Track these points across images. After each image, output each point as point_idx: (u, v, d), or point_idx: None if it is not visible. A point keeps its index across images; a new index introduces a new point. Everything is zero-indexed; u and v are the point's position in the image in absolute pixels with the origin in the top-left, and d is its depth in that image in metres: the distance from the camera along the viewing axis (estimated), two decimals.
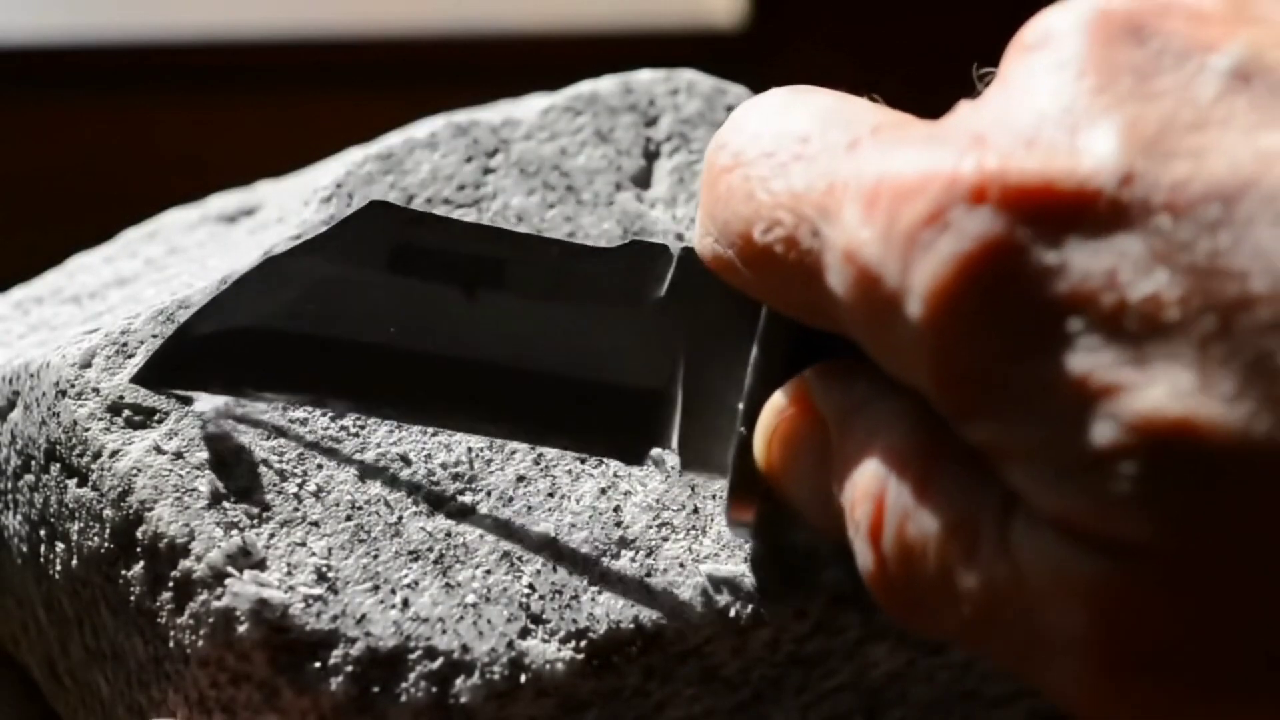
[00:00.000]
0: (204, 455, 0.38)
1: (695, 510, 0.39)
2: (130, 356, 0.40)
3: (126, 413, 0.39)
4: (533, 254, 0.38)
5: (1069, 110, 0.30)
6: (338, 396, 0.38)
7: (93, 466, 0.38)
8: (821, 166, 0.32)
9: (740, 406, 0.36)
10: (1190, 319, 0.28)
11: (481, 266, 0.37)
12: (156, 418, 0.39)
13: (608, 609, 0.37)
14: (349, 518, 0.38)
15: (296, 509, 0.37)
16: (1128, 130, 0.29)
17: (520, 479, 0.39)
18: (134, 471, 0.38)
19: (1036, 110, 0.30)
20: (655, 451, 0.38)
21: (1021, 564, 0.29)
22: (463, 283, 0.37)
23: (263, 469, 0.38)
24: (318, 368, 0.38)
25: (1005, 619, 0.30)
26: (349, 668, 0.36)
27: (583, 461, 0.39)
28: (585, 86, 0.47)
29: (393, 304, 0.38)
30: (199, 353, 0.38)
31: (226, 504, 0.37)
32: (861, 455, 0.32)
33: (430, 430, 0.39)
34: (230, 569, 0.36)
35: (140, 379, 0.39)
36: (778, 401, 0.35)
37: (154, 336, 0.40)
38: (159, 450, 0.38)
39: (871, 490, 0.32)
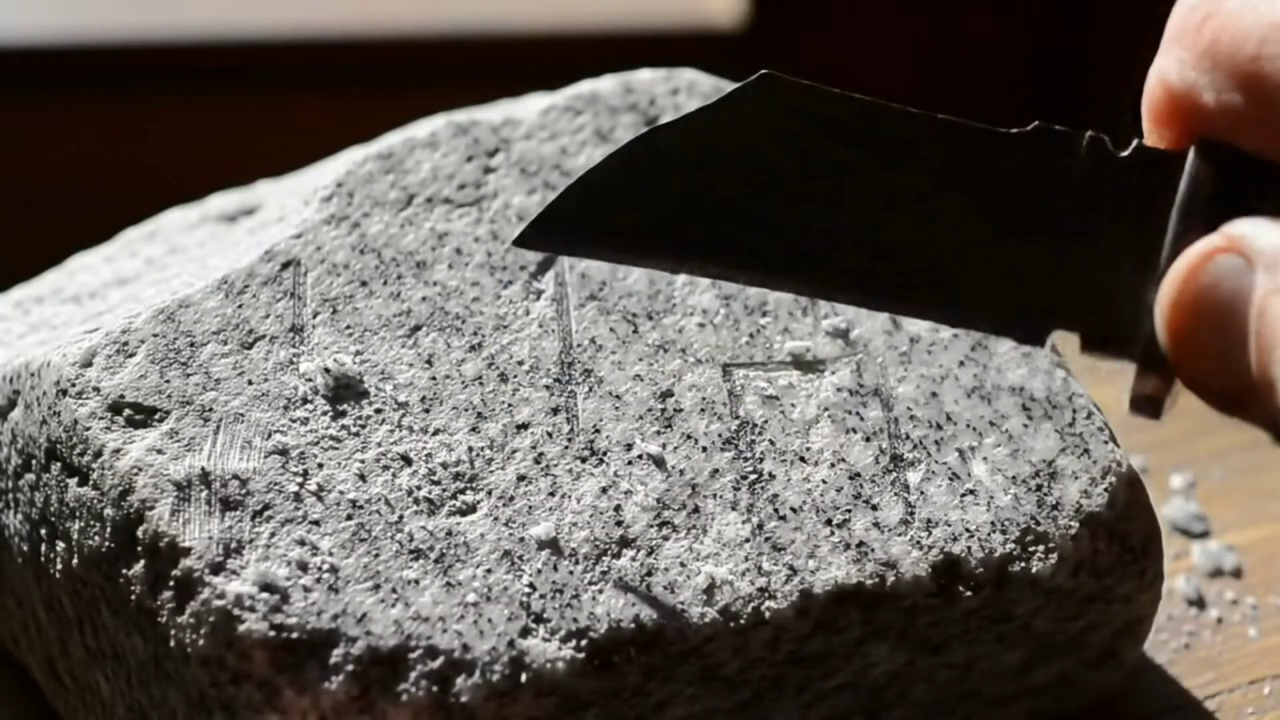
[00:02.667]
0: (206, 452, 0.38)
1: (696, 510, 0.39)
2: (131, 355, 0.40)
3: (127, 412, 0.39)
4: (932, 133, 0.37)
5: None
6: (736, 260, 0.37)
7: (93, 465, 0.38)
8: None
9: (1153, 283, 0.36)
10: None
11: (882, 141, 0.37)
12: (157, 417, 0.39)
13: (608, 608, 0.37)
14: (349, 517, 0.38)
15: (297, 508, 0.37)
16: None
17: (521, 478, 0.39)
18: (135, 470, 0.38)
19: None
20: (1055, 334, 0.37)
21: None
22: (865, 156, 0.37)
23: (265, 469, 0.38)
24: (709, 231, 0.37)
25: None
26: (349, 667, 0.36)
27: (583, 460, 0.39)
28: (585, 86, 0.47)
29: (790, 173, 0.37)
30: (578, 217, 0.38)
31: (227, 503, 0.37)
32: None
33: (431, 430, 0.39)
34: (231, 568, 0.36)
35: (522, 240, 0.38)
36: (1192, 253, 0.34)
37: (155, 335, 0.40)
38: (159, 450, 0.38)
39: None
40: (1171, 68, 0.36)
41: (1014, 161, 0.37)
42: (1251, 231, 0.34)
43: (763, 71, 0.38)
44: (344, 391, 0.40)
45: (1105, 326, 0.37)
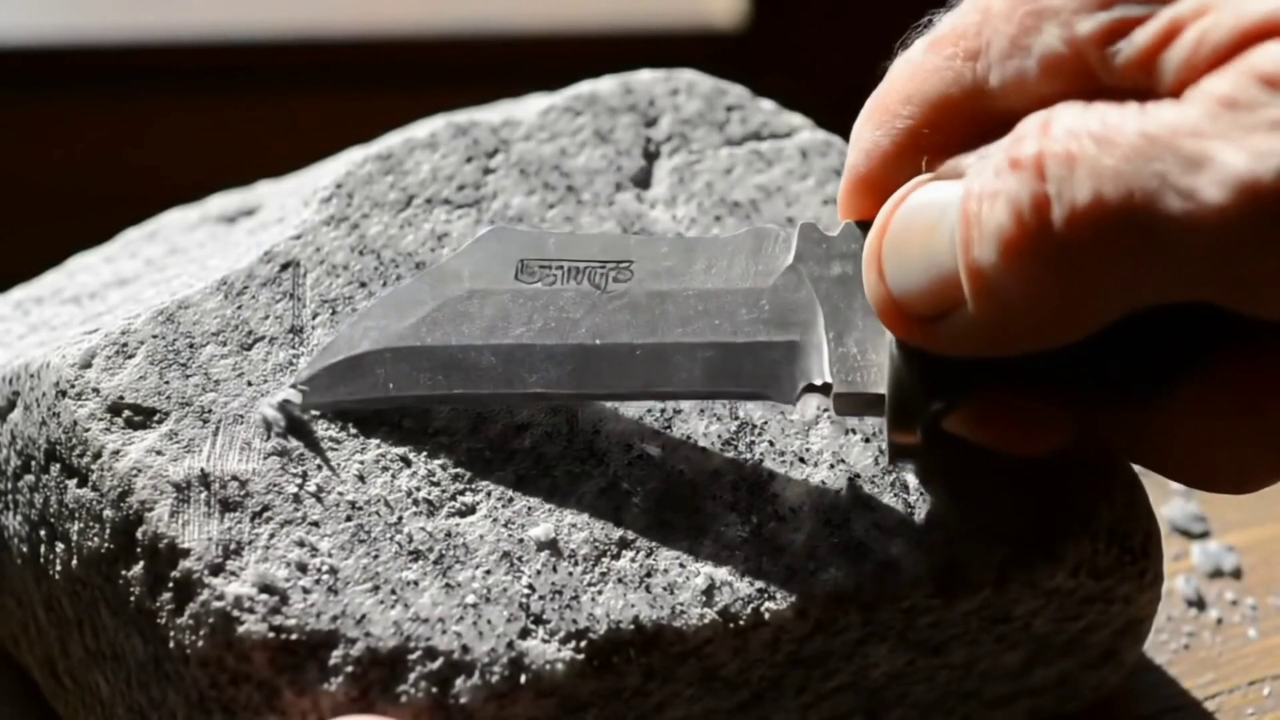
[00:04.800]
0: (205, 453, 0.38)
1: (696, 510, 0.39)
2: (130, 357, 0.40)
3: (126, 413, 0.39)
4: (656, 249, 0.40)
5: None
6: (491, 393, 0.39)
7: (93, 467, 0.38)
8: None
9: (890, 336, 0.37)
10: None
11: (607, 265, 0.40)
12: (156, 418, 0.39)
13: (608, 609, 0.37)
14: (349, 518, 0.38)
15: (296, 509, 0.37)
16: None
17: (520, 479, 0.39)
18: (134, 472, 0.38)
19: None
20: (808, 396, 0.39)
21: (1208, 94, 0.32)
22: (592, 280, 0.39)
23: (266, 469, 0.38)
24: (461, 373, 0.39)
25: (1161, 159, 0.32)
26: (349, 668, 0.36)
27: (583, 461, 0.39)
28: (585, 86, 0.47)
29: (527, 308, 0.39)
30: (338, 377, 0.39)
31: (226, 504, 0.37)
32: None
33: (430, 430, 0.39)
34: (230, 569, 0.36)
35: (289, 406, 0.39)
36: (913, 181, 0.37)
37: (154, 337, 0.40)
38: (159, 451, 0.38)
39: (1041, 116, 0.34)
40: (862, 154, 0.38)
41: (737, 260, 0.40)
42: (968, 157, 0.36)
43: (493, 228, 0.41)
44: None
45: (851, 383, 0.38)
